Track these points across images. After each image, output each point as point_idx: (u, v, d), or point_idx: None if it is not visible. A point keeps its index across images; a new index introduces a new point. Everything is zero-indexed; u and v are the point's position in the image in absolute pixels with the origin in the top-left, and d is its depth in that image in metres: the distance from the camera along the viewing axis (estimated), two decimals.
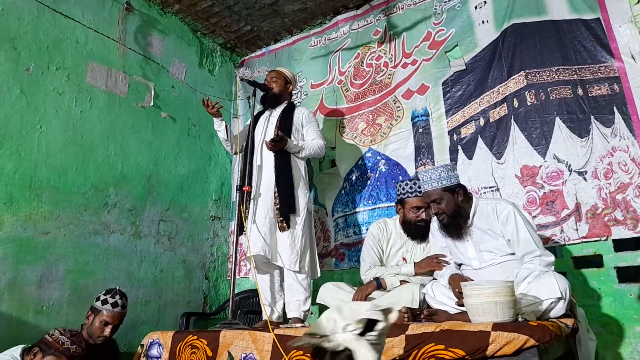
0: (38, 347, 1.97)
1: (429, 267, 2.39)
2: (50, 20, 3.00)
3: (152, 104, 3.55)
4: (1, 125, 2.67)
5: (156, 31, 3.71)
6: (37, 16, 2.94)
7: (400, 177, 3.21)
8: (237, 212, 2.71)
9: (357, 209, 3.42)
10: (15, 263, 2.60)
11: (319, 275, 2.86)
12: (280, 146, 2.79)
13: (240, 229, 2.74)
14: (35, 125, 2.83)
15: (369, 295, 2.41)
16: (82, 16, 3.18)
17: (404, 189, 2.56)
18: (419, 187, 2.48)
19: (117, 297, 2.38)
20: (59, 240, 2.82)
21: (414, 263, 2.47)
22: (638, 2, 2.62)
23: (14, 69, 2.78)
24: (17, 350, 2.01)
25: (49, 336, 2.01)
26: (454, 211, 2.19)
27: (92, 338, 2.31)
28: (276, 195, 2.74)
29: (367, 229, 3.00)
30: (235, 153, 3.07)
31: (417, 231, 2.55)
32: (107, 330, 2.34)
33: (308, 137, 2.96)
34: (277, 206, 2.71)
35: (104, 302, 2.35)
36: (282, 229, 2.70)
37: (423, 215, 2.51)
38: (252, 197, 2.77)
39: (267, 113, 3.04)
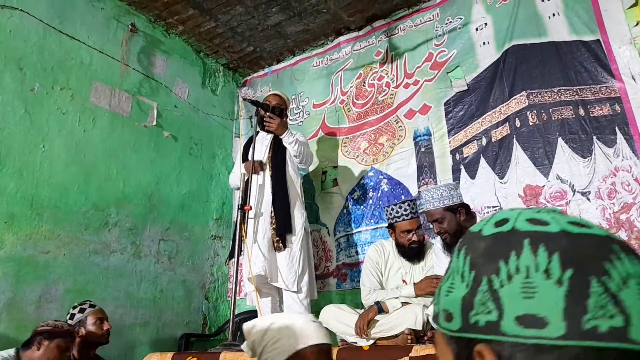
0: (40, 337, 1.95)
1: (429, 288, 2.36)
2: (55, 41, 3.03)
3: (154, 123, 3.56)
4: (5, 144, 2.68)
5: (160, 52, 3.75)
6: (43, 37, 2.97)
7: (403, 197, 3.20)
8: (238, 231, 2.70)
9: (359, 229, 3.40)
10: (15, 282, 2.58)
11: (315, 296, 2.83)
12: (280, 125, 2.85)
13: (239, 250, 2.73)
14: (38, 144, 2.84)
15: (371, 320, 2.37)
16: (87, 37, 3.22)
17: (390, 214, 2.54)
18: (405, 210, 2.48)
19: (89, 302, 2.47)
20: (59, 259, 2.80)
21: (414, 284, 2.44)
22: (637, 24, 2.65)
23: (19, 89, 2.80)
24: (9, 351, 1.98)
25: (45, 326, 2.00)
26: (456, 230, 2.17)
27: (98, 341, 2.37)
28: (272, 214, 2.74)
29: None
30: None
31: (411, 253, 2.54)
32: (106, 324, 2.40)
33: None
34: (274, 226, 2.72)
35: (82, 310, 2.40)
36: (277, 249, 2.70)
37: (414, 237, 2.50)
38: (252, 216, 2.77)
39: (263, 134, 3.05)
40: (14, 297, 2.56)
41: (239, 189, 2.89)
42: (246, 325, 1.19)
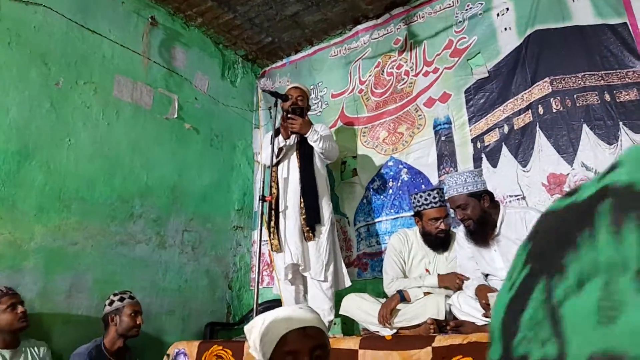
0: None
1: (453, 284, 2.35)
2: (78, 36, 3.08)
3: (175, 115, 3.61)
4: (32, 138, 2.75)
5: (180, 44, 3.78)
6: (66, 32, 3.02)
7: (423, 186, 3.19)
8: (259, 222, 2.74)
9: (380, 218, 3.40)
10: (46, 273, 2.66)
11: (347, 284, 2.86)
12: (304, 124, 2.85)
13: (269, 239, 2.81)
14: (64, 138, 2.90)
15: (394, 309, 2.38)
16: (108, 31, 3.26)
17: (419, 201, 2.52)
18: (434, 197, 2.46)
19: (129, 293, 2.58)
20: (87, 250, 2.88)
21: (438, 275, 2.44)
22: None
23: (44, 84, 2.86)
24: None
25: None
26: (480, 217, 2.16)
27: (129, 333, 2.45)
28: (302, 205, 2.78)
29: (389, 239, 2.98)
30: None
31: (438, 242, 2.52)
32: (139, 318, 2.49)
33: None
34: (304, 216, 2.76)
35: (121, 299, 2.50)
36: (307, 239, 2.75)
37: (442, 226, 2.47)
38: (280, 209, 2.82)
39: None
40: (45, 286, 2.65)
41: (268, 167, 2.93)
42: (246, 328, 1.24)
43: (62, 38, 3.00)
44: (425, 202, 2.49)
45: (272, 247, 2.82)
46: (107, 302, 2.51)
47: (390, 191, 3.40)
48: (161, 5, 3.64)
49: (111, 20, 3.30)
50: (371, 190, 3.51)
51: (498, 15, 3.19)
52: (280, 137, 2.90)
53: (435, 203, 2.46)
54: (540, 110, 2.85)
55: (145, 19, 3.53)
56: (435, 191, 2.50)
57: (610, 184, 0.25)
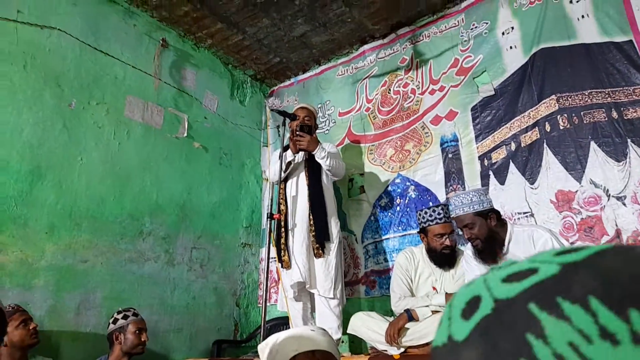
0: None
1: None
2: (91, 58, 3.16)
3: (185, 134, 3.66)
4: (45, 158, 2.80)
5: (190, 65, 3.86)
6: (80, 55, 3.10)
7: (431, 203, 3.19)
8: (267, 239, 2.75)
9: (387, 236, 3.39)
10: (56, 290, 2.68)
11: (344, 302, 2.86)
12: (311, 142, 2.87)
13: (278, 257, 2.81)
14: (76, 157, 2.95)
15: (402, 328, 2.36)
16: (120, 53, 3.34)
17: (423, 217, 2.52)
18: (439, 213, 2.45)
19: (133, 310, 2.57)
20: (97, 268, 2.90)
21: (446, 293, 2.42)
22: None
23: (57, 104, 2.93)
24: None
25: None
26: (488, 236, 2.15)
27: (134, 350, 2.45)
28: (311, 222, 2.79)
29: (397, 256, 2.98)
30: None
31: (443, 259, 2.50)
32: (144, 335, 2.48)
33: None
34: (313, 233, 2.77)
35: (125, 316, 2.50)
36: (317, 256, 2.76)
37: (447, 242, 2.46)
38: (289, 227, 2.84)
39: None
40: (55, 304, 2.67)
41: (277, 183, 2.95)
42: (260, 346, 1.25)
43: (76, 60, 3.07)
44: (430, 218, 2.48)
45: (282, 264, 2.83)
46: (111, 320, 2.52)
47: (398, 208, 3.40)
48: (172, 28, 3.73)
49: (123, 42, 3.38)
50: (378, 207, 3.51)
51: (503, 34, 3.22)
52: (289, 151, 2.93)
53: (440, 219, 2.45)
54: (547, 127, 2.85)
55: (157, 41, 3.61)
56: (440, 207, 2.50)
57: (435, 346, 0.29)
